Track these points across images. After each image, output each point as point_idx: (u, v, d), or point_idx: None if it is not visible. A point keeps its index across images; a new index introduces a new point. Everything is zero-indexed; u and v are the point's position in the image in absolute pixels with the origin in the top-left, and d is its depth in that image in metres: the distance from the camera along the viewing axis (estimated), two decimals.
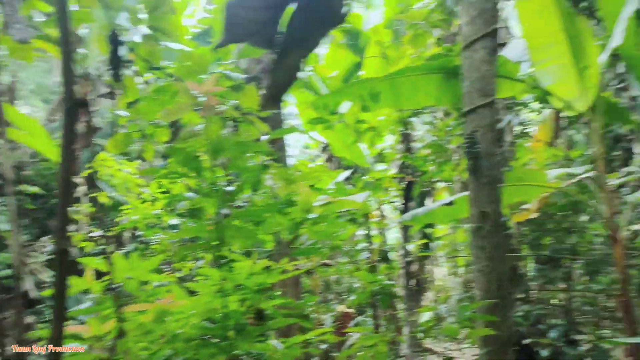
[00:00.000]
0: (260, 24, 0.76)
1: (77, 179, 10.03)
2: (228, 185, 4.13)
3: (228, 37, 0.83)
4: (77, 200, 9.56)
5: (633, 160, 6.87)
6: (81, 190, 10.07)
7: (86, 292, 3.96)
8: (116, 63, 2.58)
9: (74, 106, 1.85)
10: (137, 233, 7.11)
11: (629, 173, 6.58)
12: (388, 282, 4.20)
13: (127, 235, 8.10)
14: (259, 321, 3.14)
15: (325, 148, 11.07)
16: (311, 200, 2.69)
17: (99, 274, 4.11)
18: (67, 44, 1.85)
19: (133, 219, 5.70)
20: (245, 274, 3.22)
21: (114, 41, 2.60)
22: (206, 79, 2.72)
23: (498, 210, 4.18)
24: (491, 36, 4.15)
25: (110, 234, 6.19)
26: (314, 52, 7.67)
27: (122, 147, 3.21)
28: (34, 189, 8.43)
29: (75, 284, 3.63)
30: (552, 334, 5.98)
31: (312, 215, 2.82)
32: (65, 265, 1.86)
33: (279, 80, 0.84)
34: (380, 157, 9.37)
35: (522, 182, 4.87)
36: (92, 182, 10.44)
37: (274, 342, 3.36)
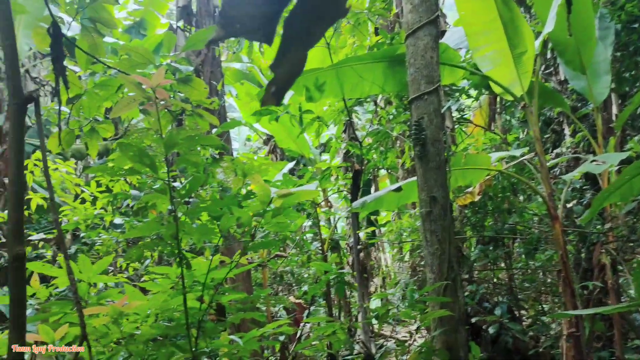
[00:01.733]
0: (260, 18, 0.73)
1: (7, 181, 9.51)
2: (175, 180, 4.03)
3: (223, 33, 0.79)
4: None
5: (563, 142, 7.20)
6: None
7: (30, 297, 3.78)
8: (59, 57, 2.44)
9: (23, 103, 1.74)
10: (78, 234, 6.82)
11: (559, 154, 6.92)
12: (343, 271, 4.23)
13: (67, 237, 7.76)
14: (219, 317, 3.10)
15: (268, 140, 11.01)
16: (269, 192, 2.66)
17: (42, 279, 3.92)
18: (11, 37, 1.73)
19: (74, 220, 5.47)
20: (203, 271, 3.16)
21: (56, 34, 2.45)
22: (154, 72, 2.62)
23: (446, 195, 4.28)
24: (434, 23, 4.23)
25: (50, 236, 5.90)
26: (253, 43, 7.58)
27: (64, 145, 3.06)
28: None
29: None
30: (497, 311, 6.21)
31: (270, 208, 2.79)
32: (22, 271, 1.75)
33: (282, 77, 0.81)
34: (324, 147, 9.42)
35: (467, 166, 5.01)
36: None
37: (233, 337, 3.32)
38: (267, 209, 2.69)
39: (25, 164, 6.74)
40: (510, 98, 5.76)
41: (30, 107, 1.95)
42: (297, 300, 7.87)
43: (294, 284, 8.12)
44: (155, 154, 2.88)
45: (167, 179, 2.82)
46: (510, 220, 6.48)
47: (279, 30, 0.76)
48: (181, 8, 6.74)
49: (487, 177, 5.59)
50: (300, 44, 0.70)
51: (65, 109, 3.55)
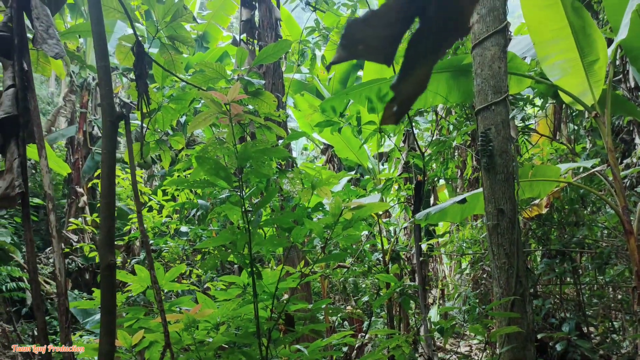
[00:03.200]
0: (384, 40, 0.74)
1: (80, 189, 9.98)
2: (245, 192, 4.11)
3: (345, 54, 0.80)
4: (82, 210, 9.52)
5: (634, 152, 6.91)
6: (83, 200, 10.01)
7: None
8: (142, 74, 2.55)
9: (116, 120, 1.83)
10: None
11: (629, 165, 6.63)
12: (410, 283, 4.19)
13: (136, 244, 8.05)
14: (287, 327, 3.13)
15: (326, 149, 11.08)
16: (340, 205, 2.68)
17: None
18: (105, 58, 1.83)
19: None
20: (271, 280, 3.21)
21: (139, 52, 2.57)
22: (230, 87, 2.70)
23: (514, 207, 4.18)
24: (502, 33, 4.16)
25: (120, 243, 6.14)
26: (316, 55, 7.66)
27: (145, 156, 3.18)
28: (37, 201, 8.35)
29: (96, 295, 3.61)
30: (565, 327, 5.99)
31: (339, 220, 2.80)
32: (112, 279, 1.83)
33: (404, 95, 0.81)
34: (383, 156, 9.38)
35: (535, 177, 4.88)
36: (94, 191, 10.39)
37: (299, 347, 3.35)
38: (338, 221, 2.71)
39: (97, 174, 7.06)
40: (579, 107, 5.59)
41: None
42: (355, 311, 7.85)
43: (352, 294, 8.10)
44: (228, 166, 2.96)
45: (239, 191, 2.88)
46: (578, 234, 6.25)
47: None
48: (244, 21, 6.90)
49: (556, 188, 5.42)
50: (424, 62, 0.71)
51: (138, 121, 3.70)
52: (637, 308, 4.88)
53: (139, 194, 7.02)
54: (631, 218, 4.69)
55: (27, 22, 2.54)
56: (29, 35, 2.19)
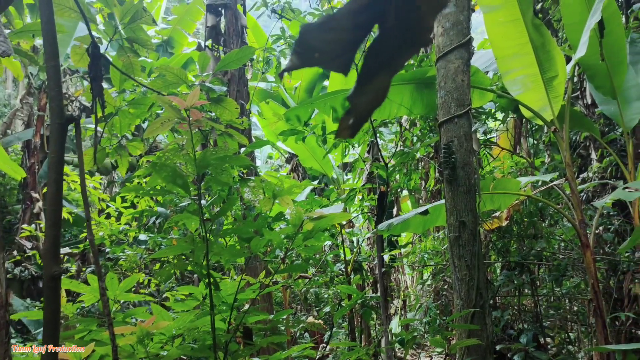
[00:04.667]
0: (340, 47, 0.70)
1: (35, 194, 9.64)
2: (204, 200, 4.02)
3: (298, 62, 0.77)
4: (37, 216, 9.18)
5: (590, 167, 7.08)
6: (38, 206, 9.68)
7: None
8: (97, 76, 2.46)
9: (65, 122, 1.74)
10: (102, 249, 6.85)
11: (585, 180, 6.80)
12: (372, 295, 4.17)
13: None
14: (246, 339, 3.05)
15: (290, 158, 11.03)
16: (301, 215, 2.63)
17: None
18: (55, 58, 1.74)
19: (100, 236, 5.49)
20: (230, 291, 3.13)
21: (95, 54, 2.48)
22: (190, 92, 2.63)
23: (475, 220, 4.22)
24: (466, 47, 4.21)
25: (75, 250, 5.94)
26: (281, 63, 7.62)
27: (98, 162, 3.07)
28: None
29: None
30: (523, 339, 6.06)
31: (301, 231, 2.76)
32: (57, 291, 1.74)
33: (361, 107, 0.77)
34: (347, 167, 9.39)
35: (496, 190, 4.94)
36: None
37: None
38: (299, 231, 2.66)
39: None
40: (539, 122, 5.70)
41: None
42: (317, 322, 7.80)
43: (313, 305, 8.05)
44: (186, 174, 2.88)
45: (197, 199, 2.81)
46: (536, 246, 6.36)
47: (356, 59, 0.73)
48: (210, 27, 6.82)
49: (516, 201, 5.50)
50: (383, 73, 0.67)
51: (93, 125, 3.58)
52: (592, 320, 4.98)
53: (99, 200, 6.83)
54: (587, 231, 4.78)
55: None
56: None
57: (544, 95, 4.93)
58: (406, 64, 7.12)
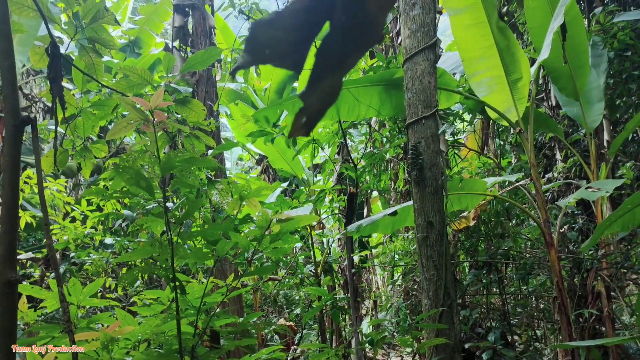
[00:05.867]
0: (290, 44, 0.69)
1: None
2: (168, 200, 3.97)
3: (250, 59, 0.75)
4: None
5: (555, 167, 7.23)
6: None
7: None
8: (56, 77, 2.39)
9: (21, 124, 1.69)
10: (67, 253, 6.70)
11: (550, 180, 6.95)
12: (341, 296, 4.16)
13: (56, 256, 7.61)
14: (213, 343, 3.02)
15: (261, 160, 10.98)
16: (268, 217, 2.61)
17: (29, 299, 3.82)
18: (10, 56, 1.69)
19: (64, 240, 5.37)
20: (197, 295, 3.10)
21: (54, 54, 2.41)
22: (153, 94, 2.59)
23: (443, 220, 4.26)
24: (432, 49, 4.25)
25: (38, 255, 5.79)
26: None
27: (59, 165, 3.00)
28: None
29: None
30: (490, 337, 6.15)
31: (267, 233, 2.74)
32: (13, 298, 1.68)
33: (314, 106, 0.76)
34: (318, 168, 9.39)
35: (463, 190, 5.00)
36: None
37: None
38: (265, 233, 2.65)
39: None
40: (505, 123, 5.79)
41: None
42: (289, 323, 7.77)
43: (284, 307, 8.02)
44: (151, 176, 2.84)
45: (162, 202, 2.76)
46: (503, 245, 6.46)
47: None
48: (177, 28, 6.74)
49: (483, 201, 5.58)
50: (334, 71, 0.66)
51: (58, 127, 3.49)
52: (557, 317, 5.08)
53: (63, 204, 6.67)
54: (552, 230, 4.88)
55: None
56: None
57: (509, 97, 5.02)
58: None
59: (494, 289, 7.07)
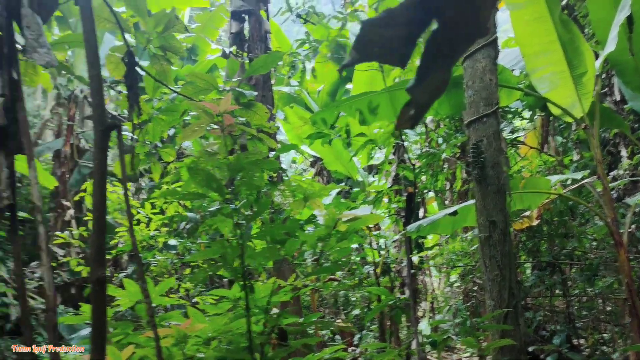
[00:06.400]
0: (399, 41, 0.71)
1: (66, 202, 9.84)
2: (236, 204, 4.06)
3: (359, 56, 0.78)
4: (68, 224, 9.37)
5: (620, 164, 6.96)
6: (69, 213, 9.88)
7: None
8: (133, 84, 2.51)
9: (107, 129, 1.79)
10: (134, 255, 6.95)
11: (615, 177, 6.69)
12: (404, 296, 4.16)
13: (124, 258, 7.92)
14: (280, 341, 3.08)
15: (315, 162, 11.06)
16: (334, 216, 2.65)
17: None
18: (97, 67, 1.79)
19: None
20: (263, 294, 3.16)
21: (131, 63, 2.54)
22: (222, 98, 2.67)
23: (506, 219, 4.18)
24: (492, 45, 4.19)
25: (107, 257, 6.04)
26: (306, 68, 7.66)
27: (135, 168, 3.14)
28: (22, 214, 8.20)
29: (84, 310, 3.53)
30: (555, 340, 5.99)
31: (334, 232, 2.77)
32: (103, 294, 1.78)
33: (421, 99, 0.78)
34: (372, 169, 9.39)
35: (526, 189, 4.89)
36: (80, 205, 10.25)
37: None
38: (332, 233, 2.68)
39: (84, 187, 6.96)
40: (568, 119, 5.63)
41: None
42: (346, 324, 7.79)
43: (342, 308, 8.04)
44: (220, 178, 2.92)
45: (231, 202, 2.85)
46: (567, 246, 6.27)
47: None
48: (234, 34, 6.88)
49: (546, 200, 5.43)
50: (442, 64, 0.68)
51: (129, 133, 3.65)
52: (627, 320, 4.89)
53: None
54: (620, 230, 4.70)
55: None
56: (19, 45, 2.15)
57: (573, 92, 4.87)
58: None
59: (558, 291, 6.87)
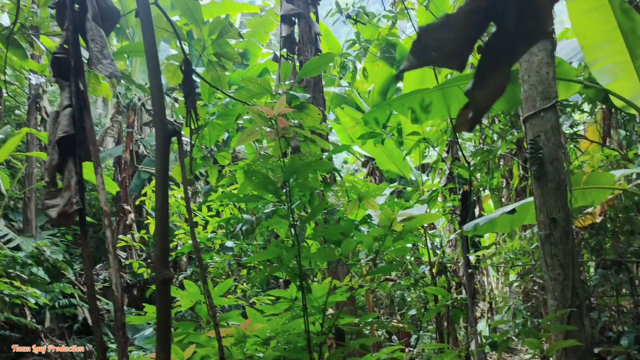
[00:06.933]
0: (457, 45, 0.72)
1: (127, 207, 10.23)
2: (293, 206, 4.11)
3: (417, 61, 0.79)
4: (130, 227, 9.74)
5: None
6: (131, 217, 10.26)
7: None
8: (190, 91, 2.60)
9: (169, 135, 1.86)
10: (192, 257, 7.15)
11: None
12: (462, 296, 4.10)
13: (183, 260, 8.16)
14: (339, 341, 3.10)
15: (367, 162, 11.03)
16: (391, 216, 2.64)
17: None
18: (157, 76, 1.86)
19: (189, 244, 5.74)
20: (319, 294, 3.19)
21: (187, 70, 2.62)
22: (277, 101, 2.71)
23: (567, 216, 4.05)
24: (549, 38, 4.06)
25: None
26: (357, 69, 7.65)
27: (191, 172, 3.23)
28: (88, 219, 8.57)
29: (148, 310, 3.66)
30: (623, 341, 5.73)
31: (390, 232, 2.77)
32: (168, 294, 1.85)
33: (480, 100, 0.78)
34: (424, 168, 9.27)
35: (588, 185, 4.72)
36: (141, 209, 10.65)
37: None
38: (389, 233, 2.67)
39: (144, 191, 7.21)
40: (631, 112, 5.39)
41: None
42: (403, 324, 7.73)
43: (397, 308, 7.99)
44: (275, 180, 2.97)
45: (286, 203, 2.88)
46: (634, 243, 5.99)
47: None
48: (284, 37, 6.96)
49: (610, 196, 5.22)
50: (501, 67, 0.68)
51: (186, 138, 3.76)
52: None
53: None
54: None
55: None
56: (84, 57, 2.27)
57: (637, 83, 4.67)
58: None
59: (624, 290, 6.58)
